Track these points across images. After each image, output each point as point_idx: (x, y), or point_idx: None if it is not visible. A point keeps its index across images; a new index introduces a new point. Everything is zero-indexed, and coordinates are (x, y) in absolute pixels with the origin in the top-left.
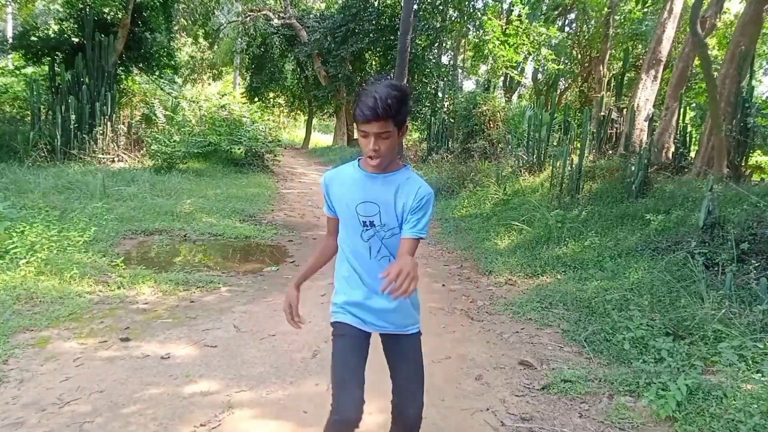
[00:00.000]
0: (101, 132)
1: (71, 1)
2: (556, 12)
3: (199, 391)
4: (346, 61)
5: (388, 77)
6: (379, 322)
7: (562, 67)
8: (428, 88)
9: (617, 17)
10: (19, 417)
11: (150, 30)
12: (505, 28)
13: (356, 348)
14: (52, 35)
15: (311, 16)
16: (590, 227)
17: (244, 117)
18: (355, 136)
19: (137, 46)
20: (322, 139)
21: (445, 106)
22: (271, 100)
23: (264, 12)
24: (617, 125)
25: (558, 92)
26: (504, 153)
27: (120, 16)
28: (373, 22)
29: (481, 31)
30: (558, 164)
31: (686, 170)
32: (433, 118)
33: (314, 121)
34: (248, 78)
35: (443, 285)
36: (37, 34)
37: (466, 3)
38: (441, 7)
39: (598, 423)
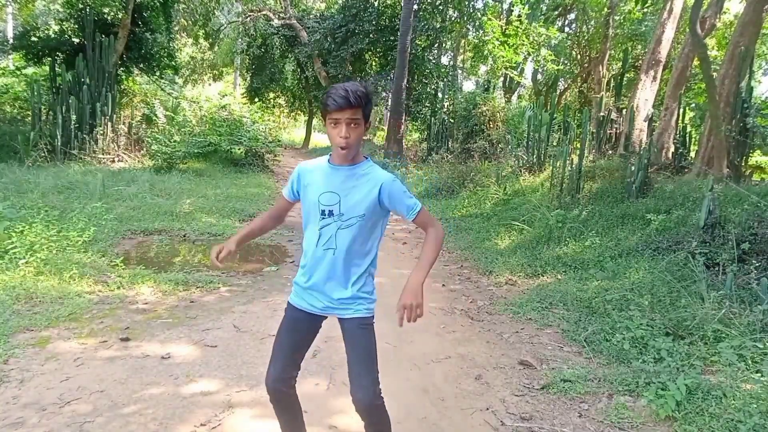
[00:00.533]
0: (101, 132)
1: (71, 1)
2: (556, 12)
3: (199, 391)
4: (346, 62)
5: (389, 76)
6: (319, 305)
7: (561, 67)
8: (428, 89)
9: (617, 17)
10: (19, 417)
11: (150, 30)
12: (505, 29)
13: (291, 329)
14: (53, 36)
15: (311, 16)
16: (590, 227)
17: (245, 117)
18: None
19: (138, 47)
20: (322, 139)
21: (445, 106)
22: (272, 100)
23: (264, 12)
24: (617, 125)
25: (557, 92)
26: (504, 153)
27: (120, 16)
28: (373, 22)
29: (481, 32)
30: (558, 164)
31: (686, 170)
32: (433, 118)
33: (314, 121)
34: (248, 78)
35: (443, 285)
36: (37, 35)
37: (466, 3)
38: (441, 8)
39: (598, 423)
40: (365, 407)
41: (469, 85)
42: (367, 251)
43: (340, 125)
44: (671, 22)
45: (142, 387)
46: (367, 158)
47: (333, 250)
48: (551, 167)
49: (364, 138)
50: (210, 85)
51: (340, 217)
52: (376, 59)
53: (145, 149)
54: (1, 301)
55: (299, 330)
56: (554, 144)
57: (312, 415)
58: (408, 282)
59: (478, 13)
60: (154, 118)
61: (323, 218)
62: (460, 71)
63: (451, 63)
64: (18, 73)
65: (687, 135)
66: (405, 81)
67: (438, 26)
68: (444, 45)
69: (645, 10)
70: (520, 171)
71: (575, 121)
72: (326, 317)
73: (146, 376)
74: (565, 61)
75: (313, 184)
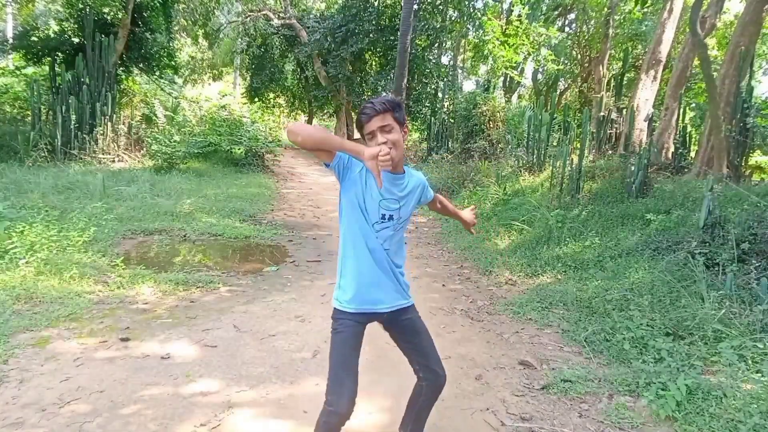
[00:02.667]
0: (101, 132)
1: (71, 1)
2: (556, 12)
3: (199, 391)
4: (346, 62)
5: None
6: (388, 301)
7: (561, 67)
8: (428, 89)
9: (617, 17)
10: (19, 417)
11: (150, 30)
12: (505, 29)
13: (356, 345)
14: (53, 35)
15: (311, 16)
16: (590, 227)
17: (245, 117)
18: (356, 135)
19: (137, 47)
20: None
21: (445, 106)
22: (272, 100)
23: (264, 12)
24: (617, 125)
25: (558, 92)
26: (504, 153)
27: (120, 16)
28: (373, 22)
29: (481, 32)
30: (558, 164)
31: (686, 170)
32: (433, 118)
33: (314, 121)
34: (248, 78)
35: (443, 285)
36: (37, 35)
37: (466, 3)
38: (441, 7)
39: (598, 423)
40: (442, 383)
41: (469, 85)
42: (403, 244)
43: (375, 136)
44: (671, 22)
45: (142, 387)
46: (407, 166)
47: (388, 250)
48: (551, 167)
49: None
50: (210, 84)
51: (398, 221)
52: (376, 59)
53: (145, 149)
54: (1, 301)
55: (360, 342)
56: (554, 144)
57: (312, 415)
58: (461, 213)
59: (478, 13)
60: (154, 118)
61: (382, 221)
62: (460, 71)
63: (451, 63)
64: (18, 73)
65: (687, 135)
66: (405, 81)
67: (438, 26)
68: (444, 45)
69: (645, 10)
70: (520, 171)
71: (575, 121)
72: (387, 315)
73: (146, 376)
74: (565, 61)
75: (374, 187)
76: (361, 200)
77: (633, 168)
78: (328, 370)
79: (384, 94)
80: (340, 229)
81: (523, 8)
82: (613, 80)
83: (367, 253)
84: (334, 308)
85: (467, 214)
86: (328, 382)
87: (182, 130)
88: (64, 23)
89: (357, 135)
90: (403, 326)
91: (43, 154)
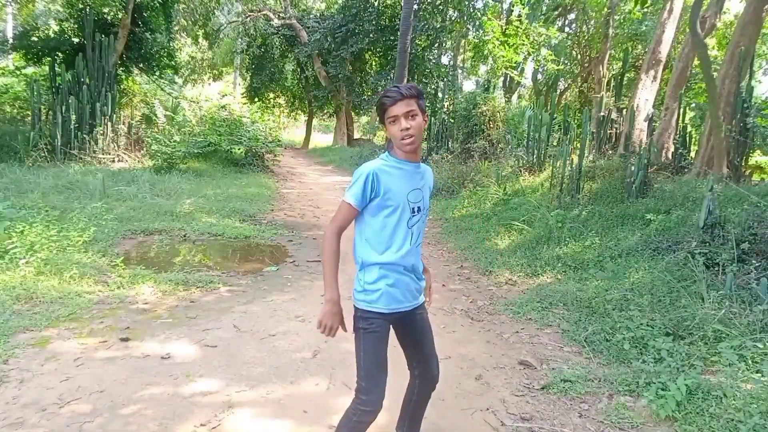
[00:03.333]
0: (101, 132)
1: (71, 1)
2: (556, 12)
3: (199, 391)
4: (346, 62)
5: (389, 76)
6: (420, 298)
7: (561, 67)
8: (428, 89)
9: (617, 17)
10: (19, 417)
11: (150, 30)
12: (505, 29)
13: (384, 342)
14: (53, 35)
15: (311, 16)
16: (590, 227)
17: (245, 117)
18: (356, 136)
19: (137, 47)
20: (322, 139)
21: (445, 106)
22: (272, 100)
23: (264, 12)
24: (617, 125)
25: (558, 92)
26: (504, 153)
27: (120, 16)
28: (373, 22)
29: (481, 32)
30: (558, 164)
31: (686, 170)
32: (433, 118)
33: (314, 121)
34: (248, 78)
35: (443, 285)
36: (37, 35)
37: (466, 3)
38: (441, 7)
39: (598, 423)
40: (435, 382)
41: (469, 85)
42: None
43: (399, 120)
44: (671, 22)
45: (142, 387)
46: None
47: (419, 244)
48: (551, 167)
49: (365, 138)
50: (210, 84)
51: (424, 212)
52: (376, 59)
53: (145, 149)
54: (1, 301)
55: (386, 342)
56: (554, 144)
57: (312, 414)
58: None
59: (478, 13)
60: (154, 118)
61: (413, 215)
62: (460, 71)
63: (451, 63)
64: (18, 73)
65: (687, 135)
66: (405, 81)
67: (438, 26)
68: (444, 45)
69: (645, 10)
70: (520, 171)
71: (575, 121)
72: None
73: (146, 376)
74: (565, 61)
75: (396, 183)
76: (396, 201)
77: (633, 168)
78: (357, 369)
79: None
80: (359, 234)
81: (523, 8)
82: (613, 80)
83: (402, 249)
84: (361, 309)
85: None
86: (361, 382)
87: (182, 130)
88: (64, 23)
89: (357, 135)
90: (414, 323)
91: (43, 154)
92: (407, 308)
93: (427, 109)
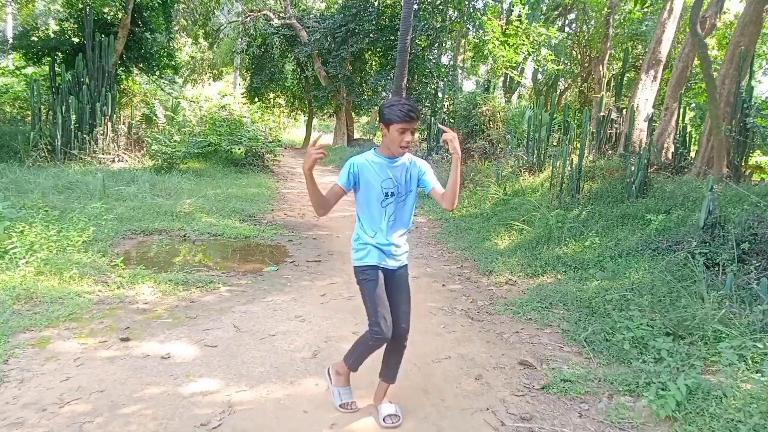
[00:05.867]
0: (101, 132)
1: (71, 1)
2: (556, 12)
3: (199, 391)
4: (346, 62)
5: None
6: (390, 261)
7: (561, 67)
8: (428, 88)
9: (617, 17)
10: (19, 417)
11: (150, 30)
12: (505, 29)
13: (382, 285)
14: (53, 35)
15: (311, 16)
16: (590, 227)
17: (245, 117)
18: (356, 135)
19: (137, 47)
20: (322, 139)
21: (445, 106)
22: (272, 100)
23: (264, 12)
24: (617, 125)
25: (558, 92)
26: (504, 153)
27: (120, 16)
28: (373, 22)
29: (481, 32)
30: (558, 164)
31: (686, 170)
32: (433, 118)
33: (314, 121)
34: (248, 78)
35: (443, 285)
36: (37, 34)
37: (466, 3)
38: (441, 7)
39: (598, 423)
40: (402, 336)
41: (469, 85)
42: (410, 217)
43: (407, 133)
44: (671, 22)
45: (142, 387)
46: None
47: (394, 221)
48: (551, 167)
49: (365, 138)
50: (210, 84)
51: (399, 197)
52: (376, 59)
53: (145, 149)
54: (1, 301)
55: (384, 284)
56: (554, 144)
57: (312, 414)
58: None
59: (478, 13)
60: (154, 118)
61: (386, 198)
62: (460, 71)
63: (451, 63)
64: (18, 72)
65: (687, 135)
66: (405, 81)
67: (438, 26)
68: (444, 45)
69: (645, 10)
70: (520, 171)
71: (575, 121)
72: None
73: (146, 376)
74: (565, 61)
75: (372, 173)
76: (371, 187)
77: (633, 168)
78: (366, 309)
79: (384, 94)
80: (356, 210)
81: (523, 8)
82: (613, 80)
83: (377, 225)
84: (356, 266)
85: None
86: (371, 318)
87: (182, 130)
88: (64, 23)
89: (357, 135)
90: (392, 280)
91: (43, 154)
92: (387, 266)
93: (426, 109)
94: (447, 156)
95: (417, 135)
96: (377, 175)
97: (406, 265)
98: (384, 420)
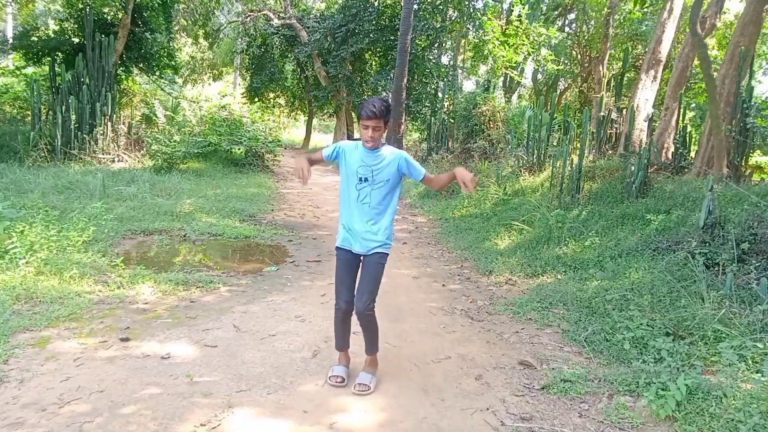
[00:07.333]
0: (101, 132)
1: (71, 1)
2: (556, 12)
3: (199, 391)
4: (346, 62)
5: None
6: (356, 245)
7: (561, 67)
8: (428, 88)
9: (617, 17)
10: (19, 417)
11: (150, 30)
12: (505, 29)
13: (347, 265)
14: (53, 35)
15: (311, 16)
16: (590, 227)
17: (245, 117)
18: (356, 135)
19: (137, 47)
20: (322, 139)
21: (445, 106)
22: (272, 100)
23: (264, 12)
24: (617, 125)
25: (558, 92)
26: (504, 153)
27: (120, 16)
28: (373, 22)
29: (481, 32)
30: (558, 164)
31: (686, 170)
32: (433, 118)
33: (314, 121)
34: (248, 78)
35: (443, 285)
36: (37, 35)
37: (466, 3)
38: (441, 7)
39: (598, 423)
40: (359, 313)
41: (469, 85)
42: (389, 205)
43: (368, 129)
44: (671, 22)
45: (142, 387)
46: (385, 143)
47: (368, 204)
48: (551, 167)
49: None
50: (210, 84)
51: (373, 182)
52: (376, 59)
53: (145, 149)
54: (1, 301)
55: (351, 266)
56: (554, 144)
57: (312, 414)
58: (456, 170)
59: (478, 13)
60: (154, 118)
61: (360, 183)
62: (460, 71)
63: (451, 63)
64: (18, 72)
65: (687, 135)
66: (405, 81)
67: (438, 26)
68: (444, 45)
69: (645, 10)
70: (520, 171)
71: (575, 121)
72: (363, 256)
73: (146, 376)
74: (565, 61)
75: (353, 158)
76: (349, 169)
77: (633, 168)
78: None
79: (384, 94)
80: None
81: (523, 8)
82: (613, 80)
83: (351, 206)
84: (336, 246)
85: (461, 171)
86: (335, 293)
87: (182, 130)
88: (64, 23)
89: (357, 135)
90: (362, 263)
91: (43, 154)
92: (353, 250)
93: (426, 109)
94: (447, 156)
95: (418, 135)
96: (355, 161)
97: (381, 253)
98: (354, 387)
